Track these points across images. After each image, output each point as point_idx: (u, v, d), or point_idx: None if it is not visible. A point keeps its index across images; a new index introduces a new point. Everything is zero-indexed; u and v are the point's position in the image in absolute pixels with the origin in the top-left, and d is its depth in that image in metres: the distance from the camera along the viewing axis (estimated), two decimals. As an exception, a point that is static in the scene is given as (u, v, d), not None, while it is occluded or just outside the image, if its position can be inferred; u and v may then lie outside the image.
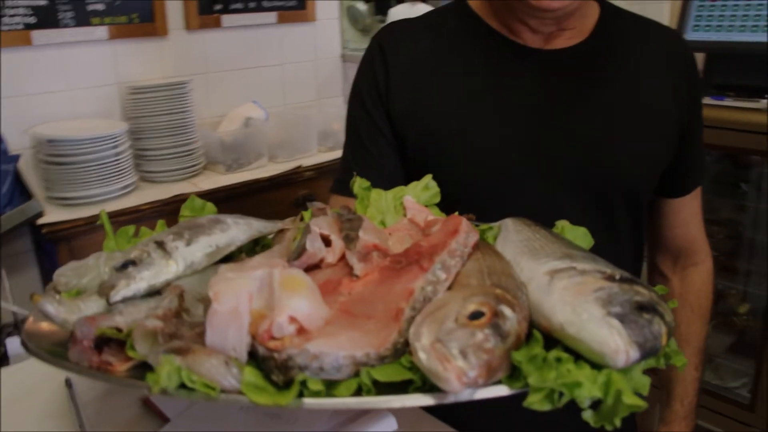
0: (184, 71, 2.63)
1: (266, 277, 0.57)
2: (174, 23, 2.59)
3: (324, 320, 0.57)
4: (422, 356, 0.52)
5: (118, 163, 2.24)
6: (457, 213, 0.79)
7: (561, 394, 0.53)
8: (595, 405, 0.54)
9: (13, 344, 0.95)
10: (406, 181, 0.92)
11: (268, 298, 0.56)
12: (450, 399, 0.53)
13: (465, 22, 1.07)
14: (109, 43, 2.44)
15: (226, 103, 2.75)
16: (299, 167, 2.60)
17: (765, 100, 1.98)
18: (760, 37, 2.01)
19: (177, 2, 2.58)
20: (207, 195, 2.33)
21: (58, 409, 0.83)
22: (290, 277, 0.58)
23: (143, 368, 0.58)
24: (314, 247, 0.67)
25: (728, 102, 2.02)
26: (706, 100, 1.87)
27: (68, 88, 2.40)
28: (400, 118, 1.05)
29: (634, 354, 0.53)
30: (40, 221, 2.06)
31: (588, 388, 0.52)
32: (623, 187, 1.04)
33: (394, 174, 1.07)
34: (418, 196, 0.85)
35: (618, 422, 0.54)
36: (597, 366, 0.54)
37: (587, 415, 0.55)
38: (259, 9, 2.79)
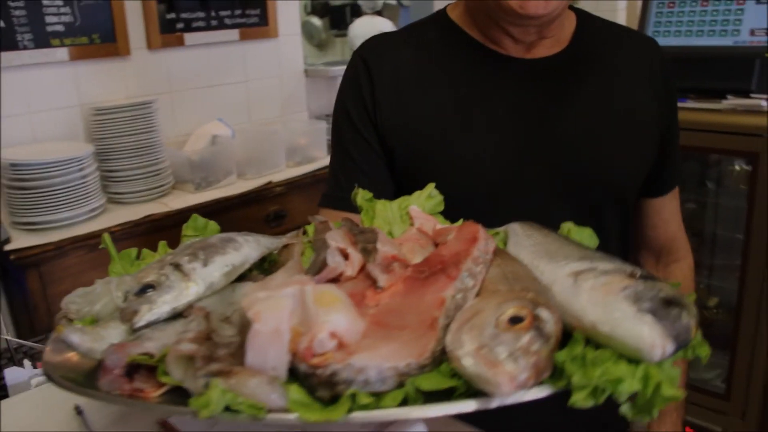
0: (148, 91, 2.59)
1: (299, 294, 0.57)
2: (136, 43, 2.55)
3: (361, 334, 0.57)
4: (468, 362, 0.52)
5: (85, 186, 2.19)
6: (462, 221, 0.80)
7: (602, 391, 0.54)
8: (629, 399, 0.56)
9: (12, 375, 0.93)
10: (396, 194, 0.92)
11: (302, 315, 0.56)
12: (496, 403, 0.53)
13: (446, 33, 1.09)
14: (71, 64, 2.39)
15: (191, 121, 2.72)
16: (269, 183, 2.59)
17: (725, 101, 2.05)
18: (717, 41, 2.08)
19: (138, 22, 2.55)
20: (178, 214, 2.30)
21: (69, 439, 0.81)
22: (323, 292, 0.57)
23: (174, 393, 0.57)
24: (335, 261, 0.67)
25: (690, 104, 2.09)
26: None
27: (29, 111, 2.34)
28: (387, 131, 1.05)
29: (670, 348, 0.55)
30: (8, 247, 2.01)
31: (629, 382, 0.54)
32: (610, 190, 1.07)
33: (384, 186, 1.07)
34: (423, 205, 0.85)
35: (656, 413, 0.55)
36: (632, 361, 0.56)
37: (625, 409, 0.56)
38: (222, 26, 2.77)
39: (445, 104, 1.04)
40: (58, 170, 2.12)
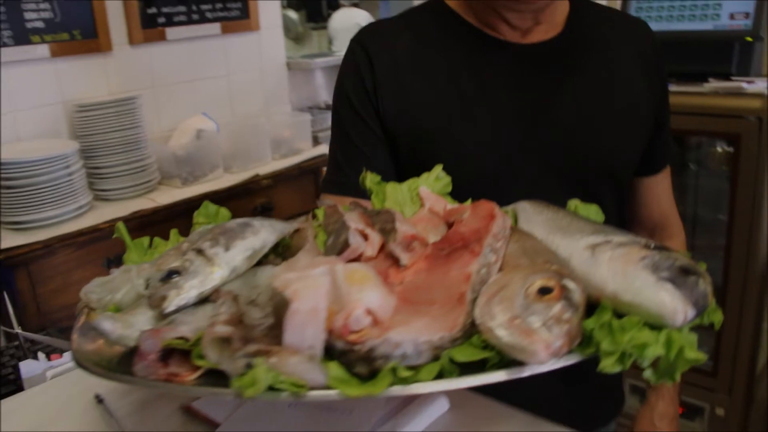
0: (131, 86, 2.57)
1: (330, 274, 0.58)
2: (117, 38, 2.53)
3: (393, 310, 0.58)
4: (502, 333, 0.54)
5: (71, 184, 2.18)
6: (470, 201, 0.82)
7: (629, 356, 0.56)
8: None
9: (27, 368, 0.92)
10: (398, 178, 0.93)
11: (335, 293, 0.57)
12: (528, 372, 0.55)
13: (443, 19, 1.09)
14: (52, 61, 2.37)
15: (175, 116, 2.71)
16: (256, 176, 2.58)
17: (706, 84, 2.08)
18: (698, 25, 2.12)
19: (119, 17, 2.53)
20: (166, 209, 2.30)
21: (94, 427, 0.81)
22: (354, 270, 0.58)
23: (208, 376, 0.58)
24: (356, 241, 0.68)
25: (672, 87, 2.11)
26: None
27: (11, 110, 2.31)
28: (389, 117, 1.06)
29: (691, 313, 0.57)
30: (-4, 247, 1.99)
31: (654, 347, 0.56)
32: (608, 171, 1.09)
33: (386, 171, 1.08)
34: (431, 187, 0.87)
35: (678, 377, 0.57)
36: (654, 327, 0.58)
37: (648, 374, 0.58)
38: (203, 20, 2.76)
39: (445, 90, 1.05)
40: (44, 168, 2.10)
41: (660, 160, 1.20)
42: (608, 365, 0.55)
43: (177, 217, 2.29)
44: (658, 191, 1.22)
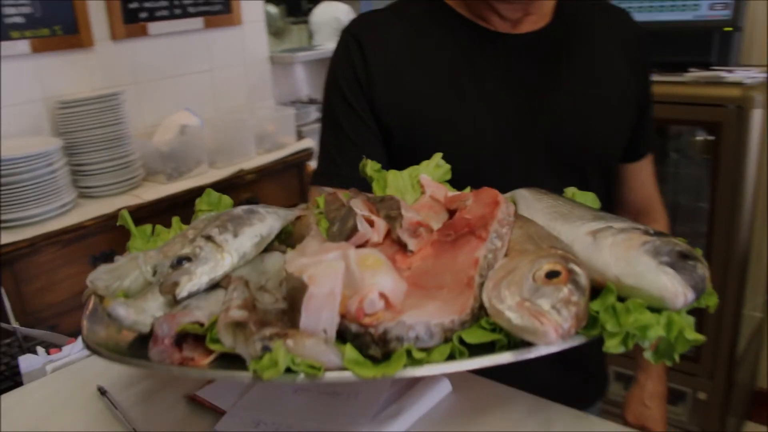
0: (114, 82, 2.56)
1: (342, 258, 0.59)
2: (99, 34, 2.51)
3: (404, 294, 0.59)
4: (512, 315, 0.55)
5: (55, 181, 2.16)
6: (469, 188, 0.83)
7: (632, 337, 0.58)
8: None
9: (26, 362, 0.92)
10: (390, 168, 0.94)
11: (347, 278, 0.58)
12: (535, 353, 0.56)
13: (433, 10, 1.10)
14: (33, 57, 2.34)
15: (159, 112, 2.69)
16: (240, 171, 2.58)
17: (687, 74, 2.12)
18: (679, 16, 2.15)
19: (101, 12, 2.51)
20: (152, 206, 2.29)
21: (97, 418, 0.81)
22: (366, 255, 0.59)
23: (220, 360, 0.59)
24: (364, 227, 0.69)
25: (654, 77, 2.13)
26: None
27: (-8, 107, 2.29)
28: (383, 109, 1.06)
29: (691, 296, 0.59)
30: (-20, 247, 1.97)
31: (655, 329, 0.58)
32: (596, 157, 1.11)
33: (379, 162, 1.09)
34: (431, 174, 0.88)
35: (677, 357, 0.59)
36: (654, 310, 0.59)
37: (648, 354, 0.60)
38: (185, 15, 2.74)
39: (440, 81, 1.06)
40: (27, 166, 2.08)
41: (644, 146, 1.22)
42: (612, 346, 0.57)
43: (162, 213, 2.28)
44: (642, 177, 1.25)
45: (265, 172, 2.65)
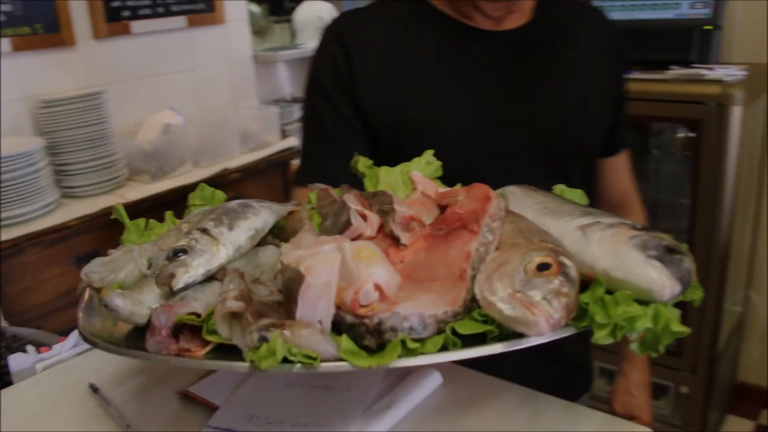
0: (96, 81, 2.54)
1: (338, 250, 0.59)
2: (81, 32, 2.49)
3: (398, 286, 0.60)
4: (504, 306, 0.56)
5: (38, 181, 2.14)
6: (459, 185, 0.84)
7: (620, 329, 0.59)
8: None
9: (16, 361, 0.92)
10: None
11: (342, 269, 0.58)
12: (525, 344, 0.57)
13: (416, 9, 1.11)
14: (13, 55, 2.32)
15: (142, 111, 2.68)
16: (225, 170, 2.58)
17: (669, 72, 2.15)
18: (660, 14, 2.18)
19: (83, 10, 2.49)
20: (135, 205, 2.27)
21: (90, 416, 0.81)
22: (361, 248, 0.60)
23: (216, 352, 0.60)
24: (358, 221, 0.70)
25: (636, 75, 2.17)
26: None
27: (-27, 106, 2.26)
28: (370, 109, 1.06)
29: (677, 288, 0.61)
30: (-37, 248, 1.95)
31: (643, 320, 0.59)
32: (580, 152, 1.14)
33: None
34: (423, 171, 0.89)
35: (662, 349, 0.61)
36: (641, 302, 0.61)
37: (634, 346, 0.61)
38: (168, 13, 2.73)
39: (426, 80, 1.06)
40: (9, 166, 2.06)
41: (620, 141, 1.25)
42: (601, 337, 0.59)
43: (147, 213, 2.23)
44: (620, 171, 1.28)
45: (249, 171, 2.65)
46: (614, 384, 1.27)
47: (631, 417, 1.24)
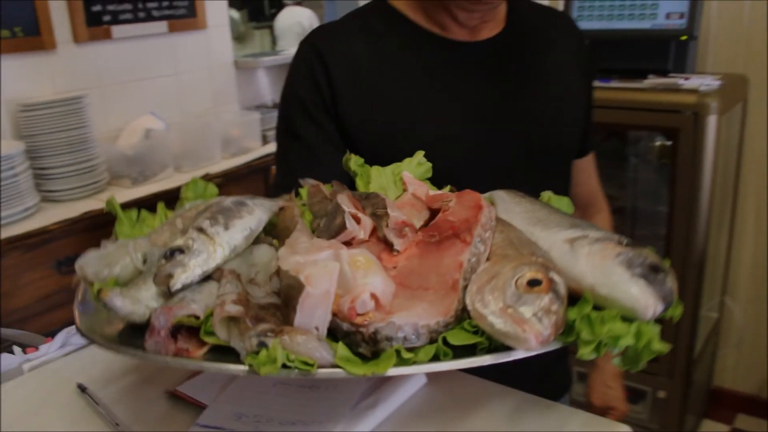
0: (76, 85, 2.52)
1: (335, 258, 0.60)
2: (61, 36, 2.48)
3: (392, 294, 0.61)
4: (495, 320, 0.58)
5: (17, 185, 2.13)
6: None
7: (604, 346, 0.61)
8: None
9: (2, 361, 0.91)
10: (352, 184, 0.94)
11: (339, 278, 0.59)
12: (514, 357, 0.59)
13: (392, 22, 1.10)
14: (-8, 59, 2.30)
15: (123, 115, 2.67)
16: (206, 175, 2.57)
17: (646, 81, 2.18)
18: (637, 24, 2.22)
19: (63, 14, 2.48)
20: (117, 210, 2.26)
21: (79, 416, 0.81)
22: (357, 256, 0.61)
23: (212, 352, 0.61)
24: (352, 226, 0.71)
25: (614, 84, 2.21)
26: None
27: (-49, 110, 2.24)
28: (351, 123, 1.05)
29: (660, 308, 0.63)
30: (-58, 252, 1.93)
31: (626, 338, 0.61)
32: (560, 156, 1.17)
33: (342, 177, 1.08)
34: (413, 172, 0.90)
35: (642, 365, 0.63)
36: (625, 320, 0.63)
37: (617, 361, 0.63)
38: (150, 18, 2.72)
39: (408, 93, 1.06)
40: (-12, 169, 2.05)
41: (589, 142, 1.28)
42: (586, 353, 0.60)
43: (128, 218, 2.25)
44: (588, 172, 1.32)
45: (230, 176, 2.65)
46: (590, 378, 1.31)
47: (609, 408, 1.28)
